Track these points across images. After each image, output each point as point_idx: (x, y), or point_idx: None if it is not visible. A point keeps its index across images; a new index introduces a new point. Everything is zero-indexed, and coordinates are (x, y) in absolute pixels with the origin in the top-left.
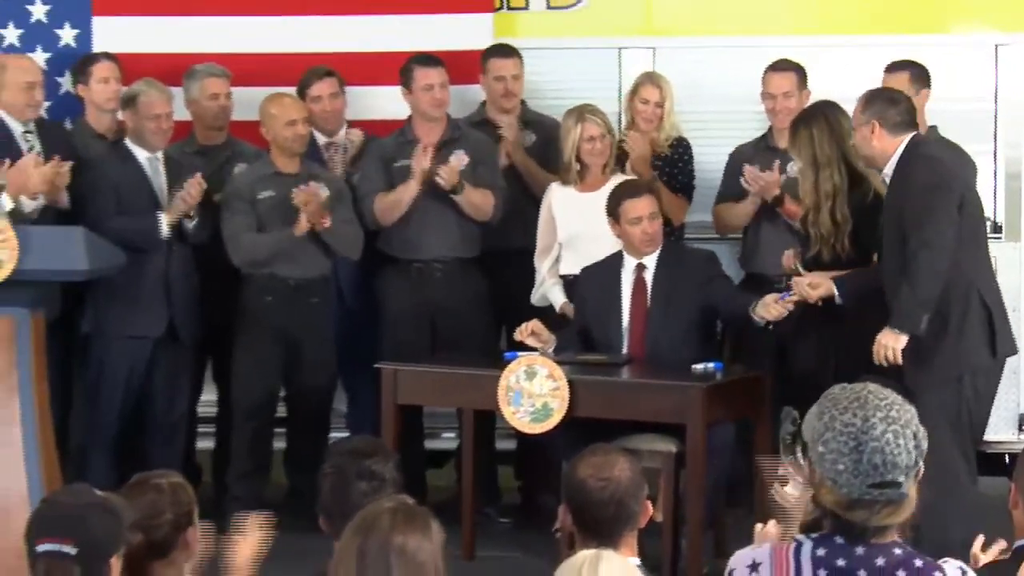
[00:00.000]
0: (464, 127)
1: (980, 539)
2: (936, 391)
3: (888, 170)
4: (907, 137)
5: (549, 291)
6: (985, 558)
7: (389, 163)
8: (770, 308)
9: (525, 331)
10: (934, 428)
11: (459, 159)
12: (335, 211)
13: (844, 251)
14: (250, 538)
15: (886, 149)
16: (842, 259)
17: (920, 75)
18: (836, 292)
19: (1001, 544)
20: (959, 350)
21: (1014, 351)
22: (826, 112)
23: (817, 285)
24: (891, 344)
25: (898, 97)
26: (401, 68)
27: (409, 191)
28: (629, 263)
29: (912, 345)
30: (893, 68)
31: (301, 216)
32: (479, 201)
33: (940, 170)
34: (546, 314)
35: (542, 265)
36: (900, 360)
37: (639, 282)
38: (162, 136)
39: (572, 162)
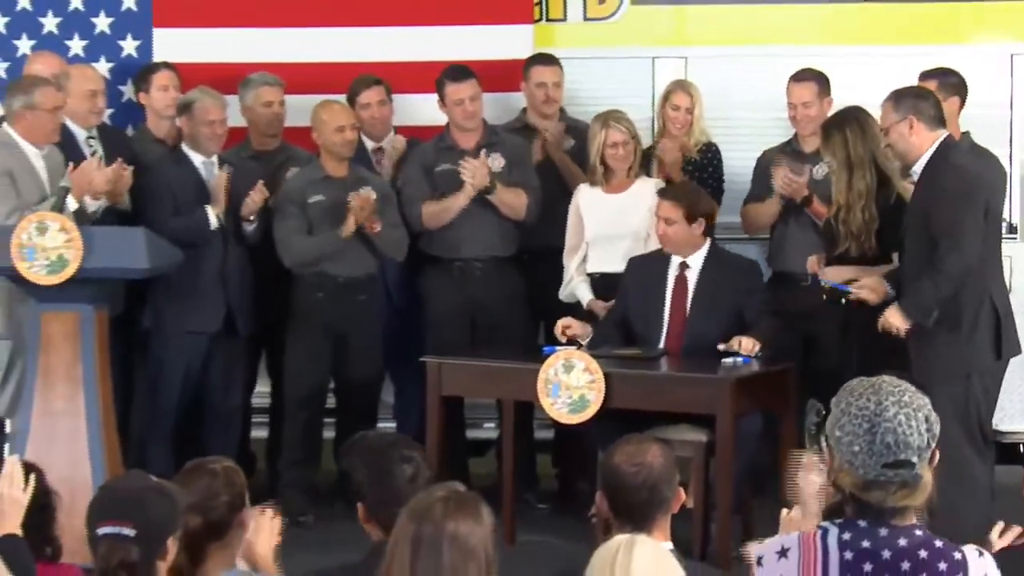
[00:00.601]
0: (500, 132)
1: (999, 526)
2: (945, 386)
3: (918, 167)
4: (941, 134)
5: (576, 288)
6: (1001, 543)
7: (430, 168)
8: None
9: (559, 330)
10: (944, 420)
11: (484, 160)
12: (383, 214)
13: (871, 249)
14: (265, 529)
15: (922, 144)
16: (868, 256)
17: (949, 83)
18: (890, 290)
19: (1017, 530)
20: (969, 350)
21: (1018, 352)
22: (858, 116)
23: (874, 289)
24: (897, 324)
25: (925, 92)
26: (436, 81)
27: (458, 203)
28: (674, 260)
29: (922, 341)
30: (925, 76)
31: (349, 218)
32: (512, 200)
33: (968, 178)
34: (575, 310)
35: (570, 263)
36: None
37: (681, 279)
38: (216, 141)
39: (597, 165)
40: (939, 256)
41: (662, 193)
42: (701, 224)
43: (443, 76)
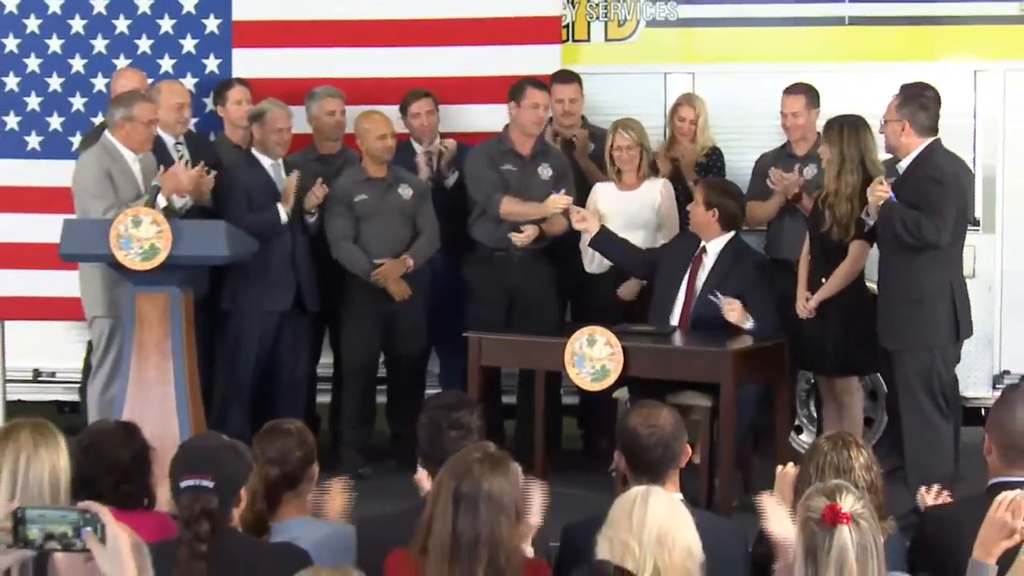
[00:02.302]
0: (548, 144)
1: (933, 490)
2: (912, 356)
3: (904, 164)
4: (928, 140)
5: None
6: (931, 500)
7: (496, 166)
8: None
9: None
10: (913, 391)
11: (565, 201)
12: (419, 210)
13: (849, 235)
14: (337, 496)
15: (909, 146)
16: (845, 242)
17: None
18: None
19: (944, 495)
20: (931, 328)
21: (970, 334)
22: (857, 123)
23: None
24: (878, 193)
25: (928, 103)
26: (514, 85)
27: (535, 211)
28: (701, 244)
29: (890, 315)
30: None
31: (386, 284)
32: (559, 229)
33: (946, 179)
34: (597, 293)
35: (582, 243)
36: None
37: (698, 261)
38: (283, 146)
39: (609, 165)
40: (924, 220)
41: (701, 181)
42: (715, 214)
43: (524, 82)
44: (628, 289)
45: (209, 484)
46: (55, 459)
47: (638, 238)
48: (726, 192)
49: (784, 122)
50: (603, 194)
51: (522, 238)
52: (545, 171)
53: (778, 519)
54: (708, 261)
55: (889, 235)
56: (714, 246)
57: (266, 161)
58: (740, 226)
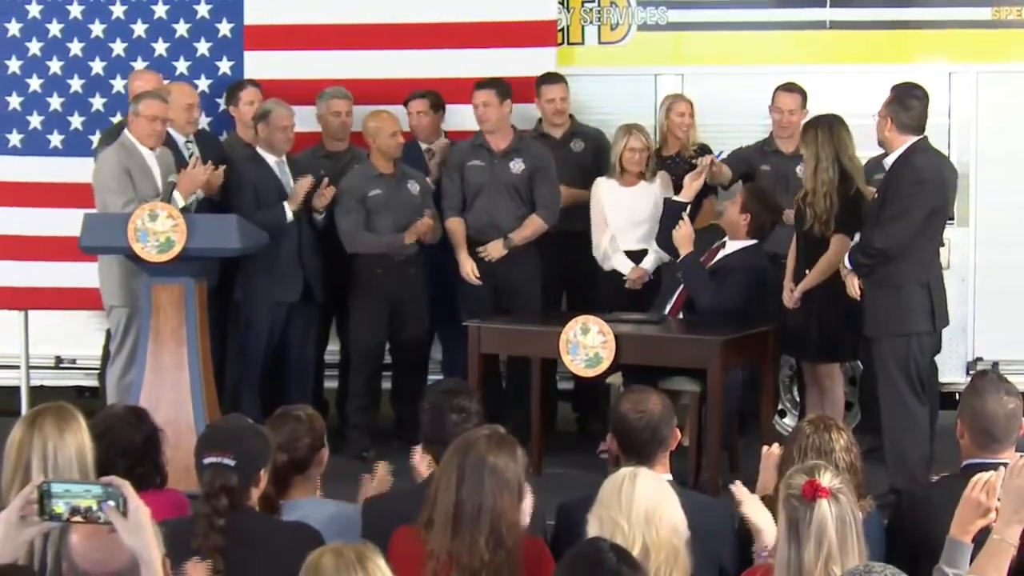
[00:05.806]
0: (527, 140)
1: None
2: (891, 342)
3: (890, 160)
4: (910, 139)
5: (615, 263)
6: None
7: (462, 167)
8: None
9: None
10: (891, 377)
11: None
12: (423, 206)
13: (830, 230)
14: (378, 477)
15: (894, 142)
16: (827, 236)
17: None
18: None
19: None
20: (909, 316)
21: (946, 323)
22: (831, 122)
23: None
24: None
25: (912, 103)
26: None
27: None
28: None
29: (873, 304)
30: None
31: (411, 233)
32: (530, 234)
33: (923, 182)
34: (595, 284)
35: (602, 239)
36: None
37: (713, 252)
38: (287, 144)
39: (617, 164)
40: (874, 234)
41: (746, 185)
42: (747, 219)
43: (476, 85)
44: (636, 274)
45: (230, 462)
46: (80, 441)
47: (642, 231)
48: (765, 202)
49: (779, 118)
50: (606, 189)
51: (492, 255)
52: (516, 165)
53: (752, 505)
54: (720, 255)
55: (865, 272)
56: (733, 245)
57: (270, 158)
58: (766, 238)
